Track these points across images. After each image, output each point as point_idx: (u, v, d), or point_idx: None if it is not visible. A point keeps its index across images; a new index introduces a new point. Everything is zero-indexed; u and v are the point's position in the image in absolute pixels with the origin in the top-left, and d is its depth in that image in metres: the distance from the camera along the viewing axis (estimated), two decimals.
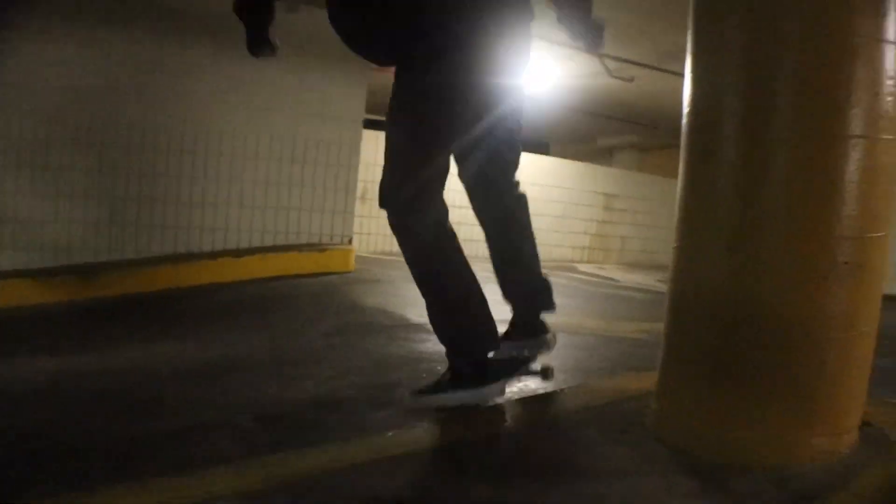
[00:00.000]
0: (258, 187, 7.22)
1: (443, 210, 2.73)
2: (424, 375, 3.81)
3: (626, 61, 9.56)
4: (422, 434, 2.76)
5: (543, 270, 3.33)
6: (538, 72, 10.52)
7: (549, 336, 3.31)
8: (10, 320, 5.42)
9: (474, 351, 2.84)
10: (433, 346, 4.52)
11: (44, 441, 2.65)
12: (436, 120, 2.60)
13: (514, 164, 3.21)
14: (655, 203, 13.66)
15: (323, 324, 5.15)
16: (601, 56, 9.26)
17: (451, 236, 2.78)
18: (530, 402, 3.28)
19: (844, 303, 2.21)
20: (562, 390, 3.38)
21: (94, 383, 3.64)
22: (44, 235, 6.44)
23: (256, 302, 5.98)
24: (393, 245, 9.51)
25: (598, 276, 10.65)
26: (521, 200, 3.25)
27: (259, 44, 3.14)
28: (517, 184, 3.22)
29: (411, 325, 5.13)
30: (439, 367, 3.97)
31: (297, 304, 5.95)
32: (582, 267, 11.69)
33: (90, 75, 6.52)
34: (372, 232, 10.12)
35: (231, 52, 6.88)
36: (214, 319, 5.26)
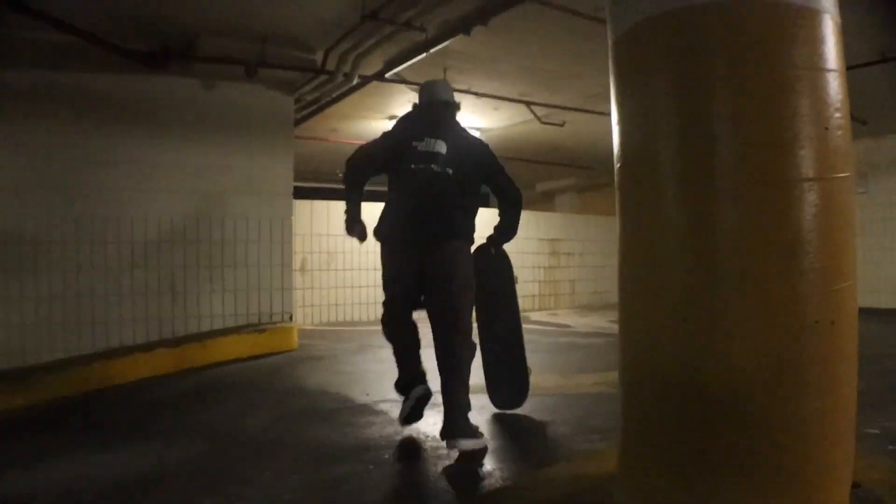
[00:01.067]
0: (189, 272, 6.90)
1: None
2: (371, 467, 3.53)
3: (554, 107, 9.49)
4: None
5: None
6: (466, 124, 10.41)
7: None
8: None
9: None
10: (378, 429, 4.27)
11: None
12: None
13: None
14: (601, 243, 13.60)
15: (264, 414, 4.85)
16: (528, 104, 9.17)
17: None
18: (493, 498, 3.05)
19: (819, 365, 1.94)
20: (520, 482, 3.14)
21: None
22: None
23: (194, 394, 5.63)
24: (336, 315, 9.27)
25: (551, 323, 10.47)
26: None
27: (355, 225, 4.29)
28: None
29: (355, 407, 4.85)
30: (385, 455, 3.74)
31: (238, 393, 5.62)
32: (534, 315, 11.49)
33: (28, 172, 6.24)
34: (314, 304, 9.80)
35: (147, 137, 6.68)
36: (149, 420, 4.90)
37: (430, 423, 4.26)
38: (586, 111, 9.56)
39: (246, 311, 7.16)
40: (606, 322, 10.17)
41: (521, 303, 11.81)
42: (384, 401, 4.96)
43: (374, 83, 7.82)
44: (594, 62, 7.39)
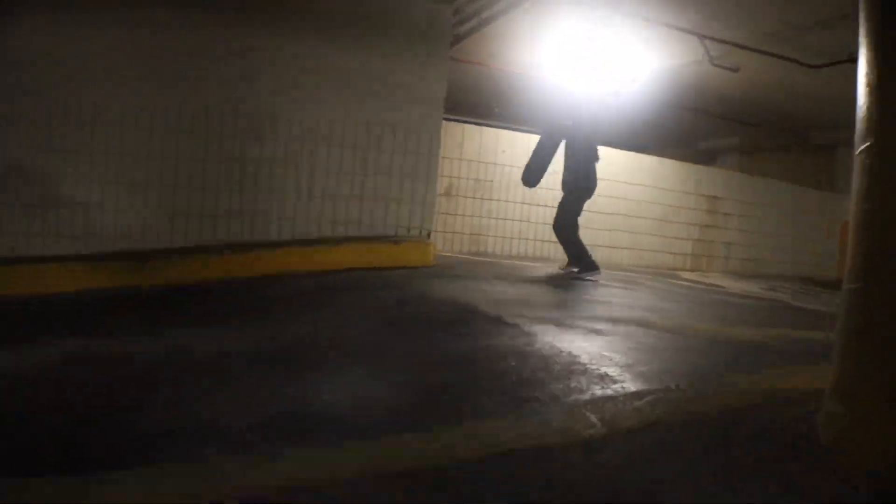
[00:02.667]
0: (329, 175, 6.70)
1: None
2: (479, 373, 3.14)
3: (727, 43, 8.64)
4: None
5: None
6: (629, 60, 9.78)
7: None
8: (54, 304, 5.18)
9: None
10: (506, 339, 3.85)
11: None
12: None
13: None
14: (764, 208, 12.63)
15: (380, 316, 4.58)
16: (700, 36, 8.39)
17: None
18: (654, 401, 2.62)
19: None
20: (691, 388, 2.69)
21: (101, 370, 3.33)
22: (99, 221, 6.08)
23: (314, 294, 5.44)
24: (477, 246, 8.95)
25: (701, 282, 9.78)
26: None
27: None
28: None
29: (484, 317, 4.46)
30: (512, 363, 3.35)
31: (358, 296, 5.38)
32: (684, 275, 10.81)
33: (152, 60, 6.18)
34: (456, 231, 9.48)
35: (297, 34, 6.46)
36: (263, 310, 4.77)
37: (568, 342, 3.84)
38: (762, 52, 8.71)
39: (383, 222, 6.91)
40: (759, 289, 9.40)
41: (671, 260, 11.34)
42: (518, 316, 4.55)
43: (539, 1, 7.37)
44: None
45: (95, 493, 1.93)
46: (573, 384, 2.95)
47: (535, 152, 7.28)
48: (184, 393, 2.93)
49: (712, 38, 8.47)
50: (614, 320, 4.69)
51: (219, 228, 6.37)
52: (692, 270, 11.79)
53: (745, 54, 8.94)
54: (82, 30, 6.00)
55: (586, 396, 2.76)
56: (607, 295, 6.23)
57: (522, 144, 9.38)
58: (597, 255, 7.50)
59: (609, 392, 2.79)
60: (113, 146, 6.12)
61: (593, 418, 2.45)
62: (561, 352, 3.54)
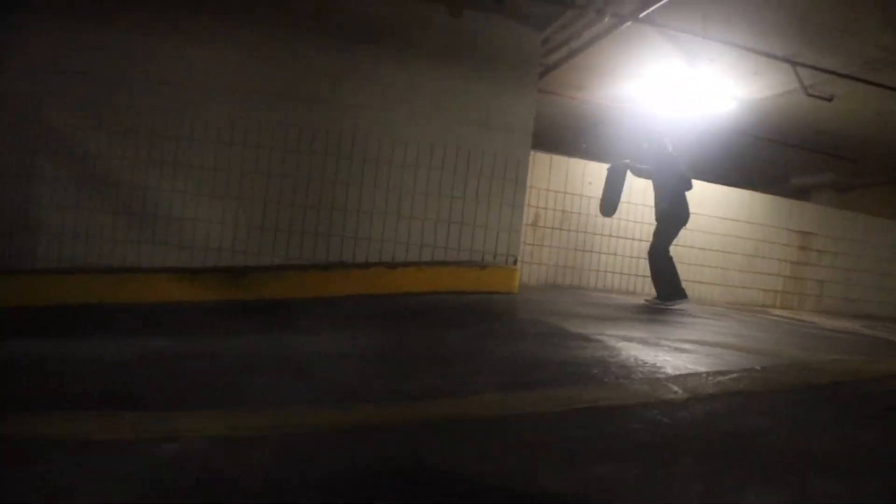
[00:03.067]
0: (417, 198, 6.84)
1: None
2: (574, 376, 3.18)
3: (823, 70, 8.36)
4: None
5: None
6: (718, 91, 9.69)
7: None
8: (150, 312, 5.45)
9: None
10: (590, 352, 3.88)
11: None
12: None
13: None
14: (860, 244, 12.24)
15: (468, 331, 4.68)
16: (793, 64, 8.21)
17: None
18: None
19: None
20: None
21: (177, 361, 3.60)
22: (196, 234, 6.37)
23: (403, 312, 5.56)
24: (563, 278, 8.94)
25: (792, 318, 9.52)
26: None
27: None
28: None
29: (568, 334, 4.49)
30: (594, 371, 3.36)
31: (445, 314, 5.48)
32: (774, 311, 10.54)
33: (260, 81, 6.51)
34: (541, 262, 9.48)
35: (392, 58, 6.68)
36: (350, 323, 4.90)
37: (652, 355, 3.83)
38: (861, 80, 8.48)
39: (470, 247, 6.98)
40: (856, 326, 9.06)
41: (761, 297, 11.09)
42: (602, 334, 4.56)
43: (626, 32, 7.39)
44: (882, 12, 6.55)
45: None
46: (655, 374, 2.98)
47: (607, 183, 7.51)
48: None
49: (805, 65, 8.26)
50: (700, 342, 4.65)
51: (317, 247, 6.57)
52: (782, 308, 11.49)
53: (841, 83, 8.70)
54: (190, 50, 6.39)
55: (668, 374, 2.81)
56: (694, 322, 6.17)
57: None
58: (687, 289, 7.46)
59: (690, 370, 2.85)
60: (220, 163, 6.44)
61: (675, 387, 2.49)
62: (645, 362, 3.54)
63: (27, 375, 3.28)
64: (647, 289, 8.22)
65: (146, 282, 6.03)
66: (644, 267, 8.96)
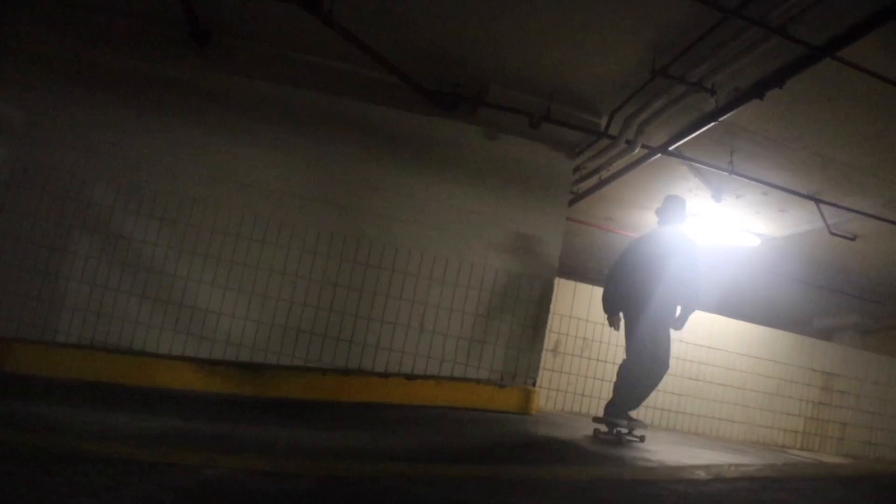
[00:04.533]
0: (441, 312, 6.88)
1: None
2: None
3: (847, 209, 8.44)
4: None
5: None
6: (743, 226, 9.81)
7: None
8: (166, 397, 5.64)
9: None
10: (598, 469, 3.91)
11: None
12: None
13: None
14: (883, 387, 12.06)
15: (476, 440, 4.70)
16: (818, 202, 8.31)
17: None
18: None
19: None
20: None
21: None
22: (219, 327, 6.46)
23: (415, 420, 5.60)
24: (582, 406, 8.87)
25: (814, 460, 9.34)
26: None
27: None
28: None
29: (576, 446, 4.55)
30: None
31: (458, 424, 5.52)
32: (793, 452, 10.34)
33: (295, 182, 6.77)
34: (561, 389, 9.40)
35: (424, 173, 6.90)
36: (359, 424, 4.93)
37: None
38: (884, 220, 8.52)
39: (489, 365, 6.96)
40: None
41: (782, 437, 10.90)
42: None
43: (656, 161, 7.57)
44: None
45: None
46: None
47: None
48: None
49: (829, 203, 8.36)
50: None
51: (337, 352, 6.63)
52: (802, 449, 11.27)
53: (865, 222, 8.79)
54: (234, 147, 6.72)
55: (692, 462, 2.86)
56: (711, 454, 6.10)
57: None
58: (706, 425, 7.31)
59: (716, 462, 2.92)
60: (249, 259, 6.61)
61: (700, 472, 2.52)
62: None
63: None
64: (671, 424, 8.11)
65: (164, 367, 6.14)
66: (669, 402, 8.87)
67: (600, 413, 6.07)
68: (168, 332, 6.40)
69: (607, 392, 9.52)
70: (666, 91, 6.25)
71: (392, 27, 6.26)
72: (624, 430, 5.77)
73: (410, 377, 6.55)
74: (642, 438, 5.92)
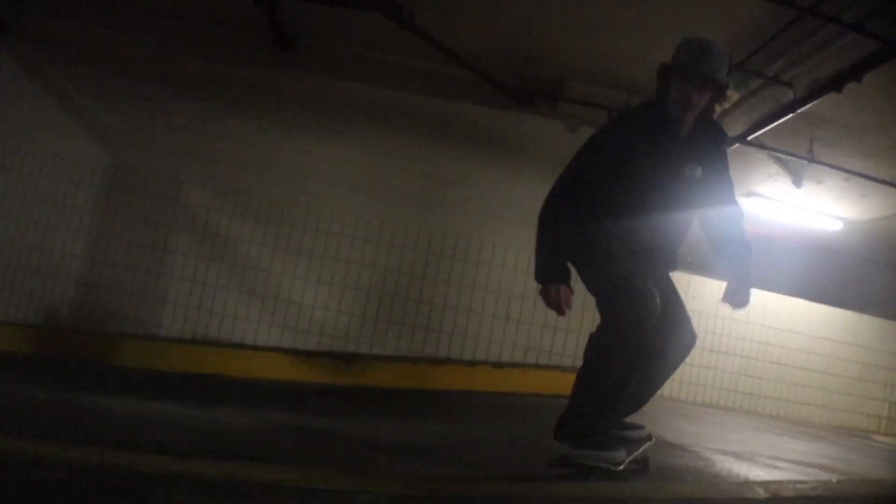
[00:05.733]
0: (526, 301, 7.11)
1: None
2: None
3: None
4: None
5: None
6: (822, 212, 9.76)
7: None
8: (268, 388, 5.98)
9: None
10: (680, 461, 4.07)
11: None
12: None
13: None
14: None
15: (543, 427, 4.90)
16: None
17: None
18: None
19: None
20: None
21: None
22: (313, 319, 6.86)
23: (502, 409, 5.79)
24: (663, 389, 8.96)
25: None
26: None
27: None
28: None
29: (661, 441, 4.66)
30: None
31: (548, 414, 5.67)
32: (878, 438, 10.25)
33: (380, 178, 7.10)
34: None
35: (505, 168, 7.08)
36: (447, 414, 5.16)
37: (745, 468, 3.99)
38: None
39: (574, 352, 7.12)
40: None
41: (865, 421, 10.79)
42: (699, 446, 4.75)
43: (734, 150, 7.62)
44: None
45: None
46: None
47: None
48: None
49: None
50: (795, 462, 4.74)
51: (426, 341, 6.98)
52: (887, 435, 11.13)
53: None
54: (321, 146, 7.10)
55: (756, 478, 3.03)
56: (789, 442, 6.18)
57: (711, 292, 9.41)
58: (787, 409, 7.27)
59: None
60: (341, 253, 7.01)
61: (759, 490, 2.71)
62: (739, 475, 3.72)
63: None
64: (749, 405, 8.18)
65: (262, 359, 6.56)
66: (744, 384, 8.91)
67: (674, 396, 6.09)
68: (265, 325, 6.83)
69: (688, 376, 9.65)
70: (743, 84, 6.33)
71: (468, 28, 6.44)
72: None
73: (498, 365, 6.83)
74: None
